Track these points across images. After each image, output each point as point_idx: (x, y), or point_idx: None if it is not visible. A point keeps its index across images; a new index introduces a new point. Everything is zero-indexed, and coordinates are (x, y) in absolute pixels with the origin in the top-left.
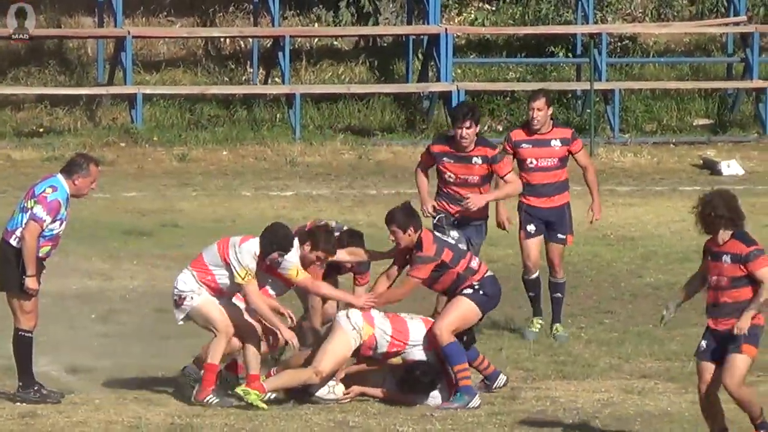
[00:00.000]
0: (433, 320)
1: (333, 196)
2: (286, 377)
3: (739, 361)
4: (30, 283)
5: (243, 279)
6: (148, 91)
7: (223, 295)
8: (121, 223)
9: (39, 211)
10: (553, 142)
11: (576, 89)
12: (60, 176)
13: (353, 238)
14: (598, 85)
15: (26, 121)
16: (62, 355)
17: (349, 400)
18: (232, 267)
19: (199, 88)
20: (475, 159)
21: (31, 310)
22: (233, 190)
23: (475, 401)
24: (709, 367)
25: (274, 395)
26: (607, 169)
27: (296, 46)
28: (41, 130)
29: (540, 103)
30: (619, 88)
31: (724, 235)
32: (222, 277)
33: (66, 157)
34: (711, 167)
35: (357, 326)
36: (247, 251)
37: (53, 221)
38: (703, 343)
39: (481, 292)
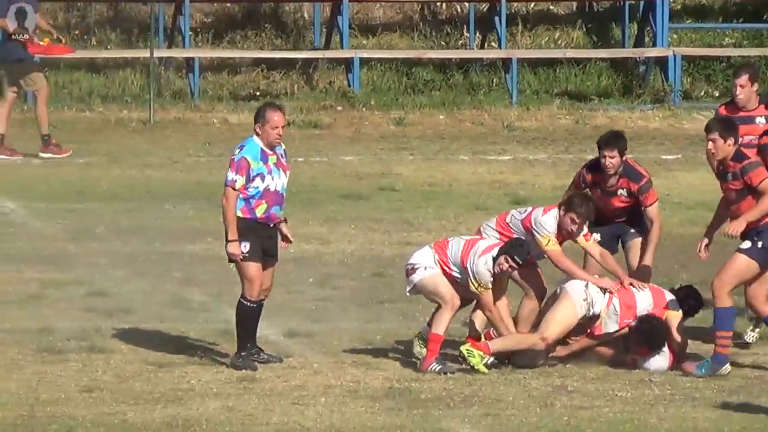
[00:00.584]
0: (658, 288)
1: (550, 160)
2: (513, 341)
3: None
4: (230, 248)
5: (476, 289)
6: (365, 55)
7: (455, 285)
8: (338, 187)
9: (228, 173)
10: (758, 120)
11: None
12: (253, 134)
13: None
14: None
15: (243, 85)
16: (280, 320)
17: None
18: (469, 274)
19: (416, 52)
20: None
21: (251, 279)
22: (450, 154)
23: (726, 369)
24: None
25: (492, 360)
26: None
27: (512, 10)
28: (258, 93)
29: (743, 79)
30: None
31: None
32: (458, 275)
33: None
34: None
35: (590, 299)
36: (483, 263)
37: (250, 179)
38: None
39: (759, 245)
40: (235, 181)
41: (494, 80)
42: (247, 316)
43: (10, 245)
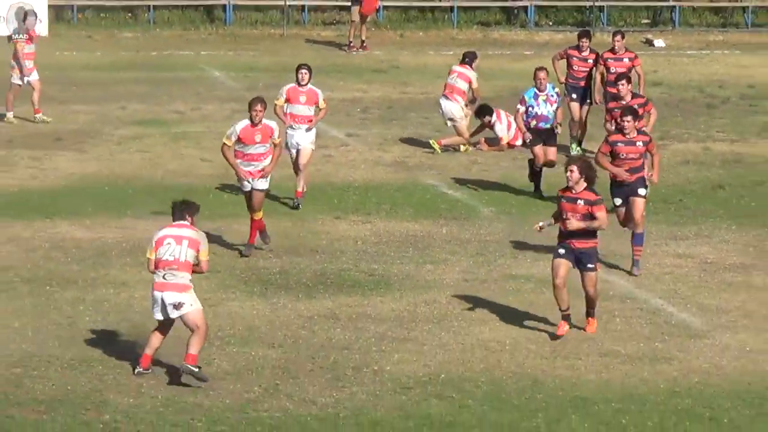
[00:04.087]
0: None
1: None
2: (455, 140)
3: (594, 275)
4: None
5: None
6: None
7: None
8: None
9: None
10: (625, 59)
11: None
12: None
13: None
14: None
15: None
16: None
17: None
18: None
19: None
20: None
21: None
22: None
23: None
24: (565, 264)
25: None
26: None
27: None
28: None
29: (619, 37)
30: None
31: (579, 186)
32: None
33: None
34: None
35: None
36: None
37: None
38: (561, 250)
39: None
40: (518, 108)
41: None
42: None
43: None
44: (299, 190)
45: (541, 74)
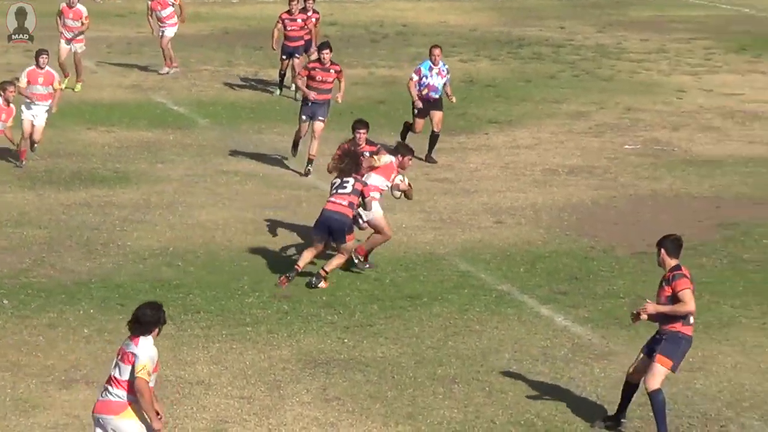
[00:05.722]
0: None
1: None
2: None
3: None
4: None
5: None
6: None
7: None
8: None
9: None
10: None
11: None
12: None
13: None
14: None
15: None
16: None
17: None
18: None
19: None
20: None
21: None
22: None
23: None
24: (319, 249)
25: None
26: None
27: None
28: None
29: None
30: None
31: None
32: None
33: None
34: None
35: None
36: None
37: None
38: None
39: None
40: (412, 77)
41: None
42: None
43: None
44: (24, 149)
45: (436, 51)
